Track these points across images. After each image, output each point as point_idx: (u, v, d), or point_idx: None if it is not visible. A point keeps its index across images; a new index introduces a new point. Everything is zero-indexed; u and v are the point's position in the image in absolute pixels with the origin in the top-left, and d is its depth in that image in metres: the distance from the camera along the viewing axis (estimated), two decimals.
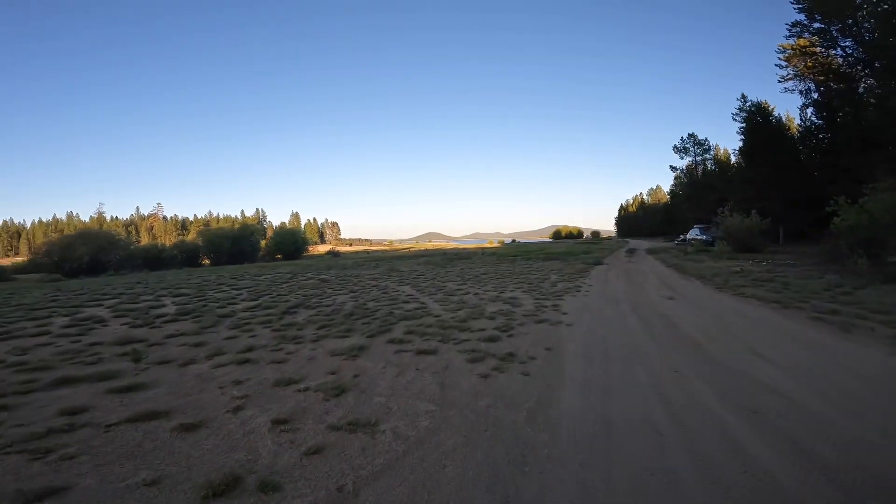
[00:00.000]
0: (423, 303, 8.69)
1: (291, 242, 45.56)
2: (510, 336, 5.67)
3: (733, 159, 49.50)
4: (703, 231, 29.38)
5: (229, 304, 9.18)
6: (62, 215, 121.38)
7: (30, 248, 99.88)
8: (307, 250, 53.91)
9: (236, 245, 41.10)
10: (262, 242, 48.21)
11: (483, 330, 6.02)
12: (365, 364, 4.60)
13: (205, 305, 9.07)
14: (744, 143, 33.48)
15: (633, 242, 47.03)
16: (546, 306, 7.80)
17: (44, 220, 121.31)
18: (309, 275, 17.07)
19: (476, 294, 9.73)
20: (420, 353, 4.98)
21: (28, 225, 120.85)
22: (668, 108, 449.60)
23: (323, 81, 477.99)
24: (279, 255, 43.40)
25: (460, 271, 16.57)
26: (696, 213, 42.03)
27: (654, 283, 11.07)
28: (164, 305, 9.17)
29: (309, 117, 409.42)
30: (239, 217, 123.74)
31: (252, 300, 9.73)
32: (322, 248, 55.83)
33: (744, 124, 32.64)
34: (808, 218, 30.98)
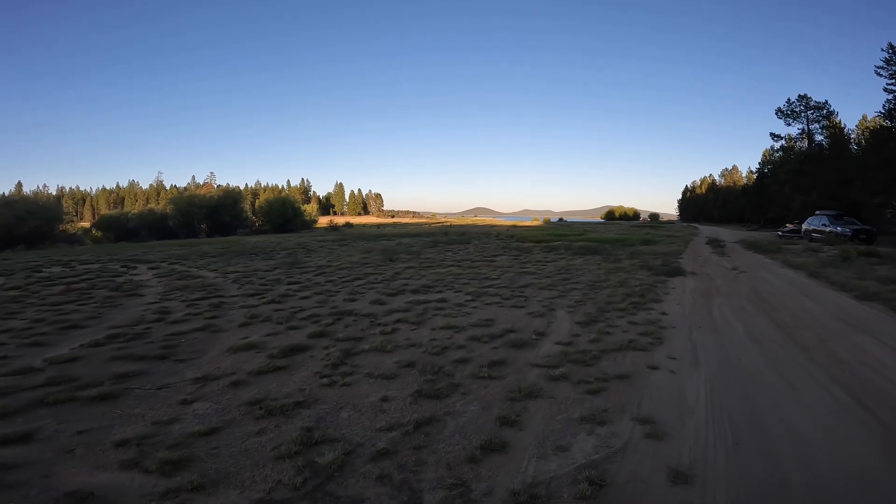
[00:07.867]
0: None
1: (280, 213, 38.24)
2: None
3: (851, 131, 36.95)
4: (833, 221, 19.29)
5: None
6: (125, 184, 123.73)
7: (93, 214, 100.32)
8: (316, 222, 46.92)
9: (213, 215, 34.68)
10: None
11: None
12: None
13: None
14: None
15: (706, 229, 35.73)
16: None
17: (107, 187, 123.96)
18: (136, 268, 9.72)
19: None
20: None
21: (93, 192, 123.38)
22: (742, 84, 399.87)
23: (375, 53, 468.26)
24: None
25: (394, 274, 8.40)
26: (805, 194, 30.59)
27: None
28: None
29: (362, 89, 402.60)
30: (285, 186, 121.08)
31: None
32: (325, 220, 48.21)
33: (892, 80, 25.70)
34: None
